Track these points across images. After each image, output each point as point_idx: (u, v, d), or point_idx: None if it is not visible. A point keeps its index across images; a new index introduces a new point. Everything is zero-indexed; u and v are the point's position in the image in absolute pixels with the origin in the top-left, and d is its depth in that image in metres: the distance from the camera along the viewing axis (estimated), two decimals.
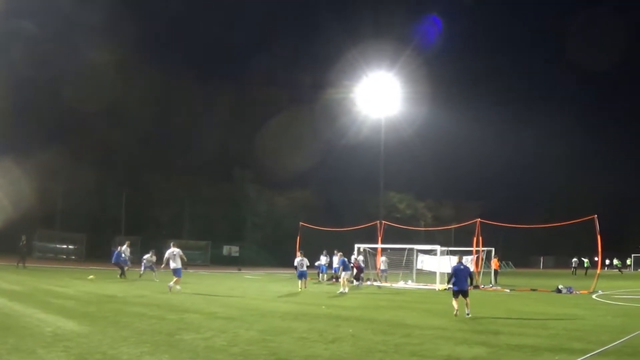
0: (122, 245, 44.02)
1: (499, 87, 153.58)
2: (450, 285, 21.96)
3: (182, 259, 30.97)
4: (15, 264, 47.13)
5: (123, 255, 42.43)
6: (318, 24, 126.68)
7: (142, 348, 13.06)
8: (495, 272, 48.29)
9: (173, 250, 30.97)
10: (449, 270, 41.86)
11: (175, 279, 29.79)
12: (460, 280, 21.53)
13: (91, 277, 36.69)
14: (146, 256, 41.67)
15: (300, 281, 37.41)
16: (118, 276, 40.59)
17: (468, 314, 21.03)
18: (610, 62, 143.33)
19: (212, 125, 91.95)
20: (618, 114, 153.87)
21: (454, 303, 21.38)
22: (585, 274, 69.17)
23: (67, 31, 68.04)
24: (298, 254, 39.32)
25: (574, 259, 74.30)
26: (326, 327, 17.50)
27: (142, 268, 41.70)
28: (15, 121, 70.36)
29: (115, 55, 77.29)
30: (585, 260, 74.76)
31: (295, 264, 38.87)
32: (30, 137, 72.59)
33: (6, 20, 54.24)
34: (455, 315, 20.98)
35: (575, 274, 65.57)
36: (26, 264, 47.46)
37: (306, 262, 38.66)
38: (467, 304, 21.26)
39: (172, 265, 30.33)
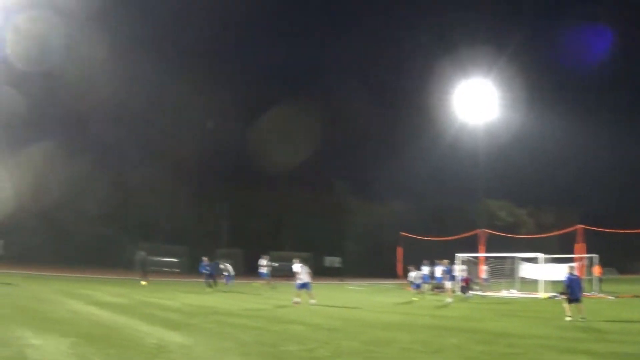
0: (205, 257, 44.16)
1: (599, 90, 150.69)
2: (562, 295, 21.97)
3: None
4: (139, 279, 47.80)
5: (208, 268, 42.66)
6: (414, 30, 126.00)
7: (245, 359, 13.16)
8: (599, 279, 47.38)
9: (301, 266, 31.21)
10: (553, 278, 41.28)
11: (307, 292, 29.97)
12: (575, 291, 21.55)
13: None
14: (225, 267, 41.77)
15: (415, 291, 37.91)
16: (209, 287, 40.84)
17: (584, 319, 20.88)
18: None
19: (311, 137, 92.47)
20: None
21: (567, 309, 21.29)
22: None
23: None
24: (412, 267, 39.71)
25: None
26: (429, 337, 17.54)
27: (225, 280, 41.91)
28: (114, 141, 72.31)
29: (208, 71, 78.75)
30: None
31: (411, 278, 39.19)
32: (131, 155, 74.38)
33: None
34: (569, 319, 20.87)
35: None
36: (145, 278, 48.06)
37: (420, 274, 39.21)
38: (581, 309, 21.18)
39: (301, 279, 30.38)
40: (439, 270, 43.61)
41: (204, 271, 42.59)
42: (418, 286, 39.39)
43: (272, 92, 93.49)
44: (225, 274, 42.87)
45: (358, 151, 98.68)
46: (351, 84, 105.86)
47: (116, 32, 64.49)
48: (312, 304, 28.61)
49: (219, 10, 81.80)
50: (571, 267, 23.62)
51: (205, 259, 43.29)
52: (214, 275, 42.46)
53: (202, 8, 78.48)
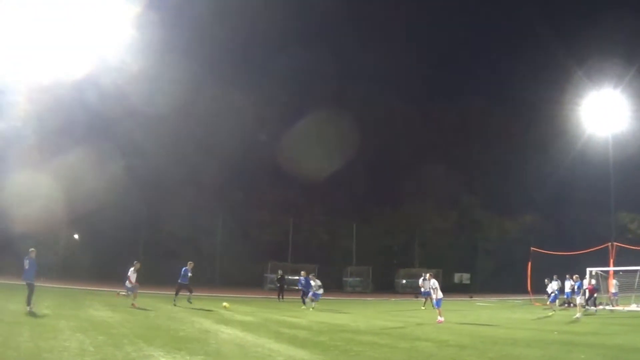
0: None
1: None
2: None
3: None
4: (277, 297, 48.83)
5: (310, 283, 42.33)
6: (541, 40, 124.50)
7: None
8: None
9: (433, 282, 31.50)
10: None
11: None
12: None
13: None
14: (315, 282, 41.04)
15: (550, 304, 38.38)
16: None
17: None
18: None
19: (437, 152, 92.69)
20: None
21: None
22: None
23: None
24: (548, 280, 40.24)
25: None
26: (558, 353, 17.71)
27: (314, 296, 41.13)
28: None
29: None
30: None
31: (550, 290, 39.54)
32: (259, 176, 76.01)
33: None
34: None
35: None
36: (283, 297, 48.89)
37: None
38: None
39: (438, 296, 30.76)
40: (568, 285, 43.32)
41: (300, 287, 42.63)
42: (555, 298, 39.46)
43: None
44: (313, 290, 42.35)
45: (487, 165, 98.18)
46: (471, 97, 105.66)
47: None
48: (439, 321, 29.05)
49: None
50: None
51: (303, 273, 43.09)
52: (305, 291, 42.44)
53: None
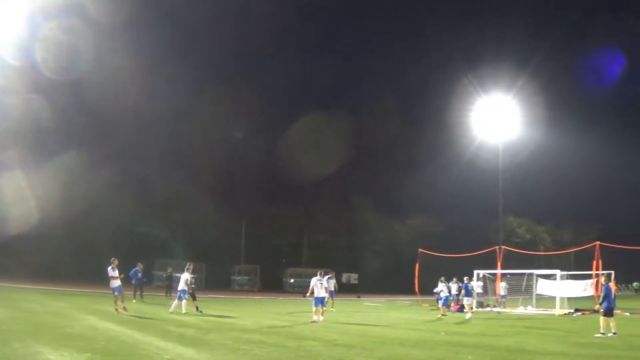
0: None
1: (617, 110, 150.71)
2: (598, 306, 22.34)
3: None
4: (164, 295, 47.69)
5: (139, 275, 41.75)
6: (432, 45, 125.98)
7: None
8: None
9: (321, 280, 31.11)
10: (569, 295, 41.41)
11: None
12: (611, 300, 21.88)
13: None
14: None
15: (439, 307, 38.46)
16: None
17: (615, 334, 21.15)
18: None
19: (330, 153, 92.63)
20: None
21: (602, 322, 21.61)
22: None
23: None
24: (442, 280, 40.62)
25: None
26: (446, 354, 17.65)
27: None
28: (137, 149, 72.90)
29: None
30: None
31: (438, 291, 39.68)
32: (151, 167, 74.93)
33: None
34: (600, 335, 21.11)
35: None
36: (171, 294, 47.74)
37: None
38: (613, 323, 21.52)
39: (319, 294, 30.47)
40: (454, 288, 43.64)
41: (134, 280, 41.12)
42: (446, 301, 39.61)
43: (297, 105, 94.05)
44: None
45: (378, 167, 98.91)
46: (365, 100, 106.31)
47: (144, 40, 64.72)
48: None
49: (248, 21, 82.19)
50: (607, 277, 23.77)
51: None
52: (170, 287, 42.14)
53: (231, 17, 78.88)
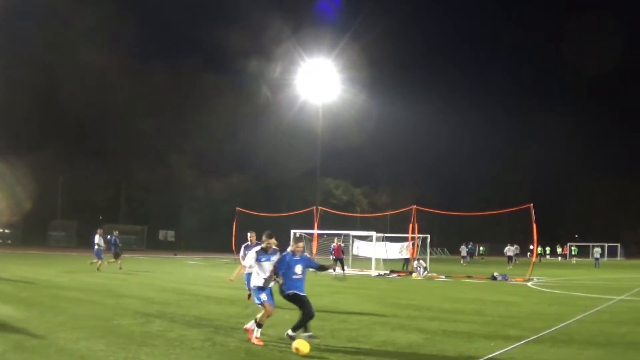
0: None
1: (436, 77, 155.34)
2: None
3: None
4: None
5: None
6: (254, 9, 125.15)
7: (78, 333, 13.00)
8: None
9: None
10: (385, 257, 42.31)
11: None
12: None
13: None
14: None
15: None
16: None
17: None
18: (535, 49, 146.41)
19: (148, 109, 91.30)
20: (550, 104, 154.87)
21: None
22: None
23: None
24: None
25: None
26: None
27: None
28: None
29: None
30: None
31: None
32: None
33: (5, 20, 53.14)
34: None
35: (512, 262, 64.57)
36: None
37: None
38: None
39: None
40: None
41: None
42: None
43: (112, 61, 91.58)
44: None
45: (198, 125, 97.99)
46: (187, 59, 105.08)
47: None
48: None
49: None
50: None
51: None
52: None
53: None
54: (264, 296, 12.78)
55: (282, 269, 12.73)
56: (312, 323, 13.34)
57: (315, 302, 18.36)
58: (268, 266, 12.91)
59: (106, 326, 14.30)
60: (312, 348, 11.60)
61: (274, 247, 13.31)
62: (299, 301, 12.90)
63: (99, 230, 37.46)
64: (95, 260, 35.97)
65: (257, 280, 12.92)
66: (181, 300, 20.73)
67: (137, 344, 12.05)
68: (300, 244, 13.15)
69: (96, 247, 36.45)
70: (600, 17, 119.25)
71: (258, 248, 13.38)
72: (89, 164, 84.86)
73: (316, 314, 13.22)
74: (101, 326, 14.22)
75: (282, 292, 12.89)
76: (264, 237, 13.24)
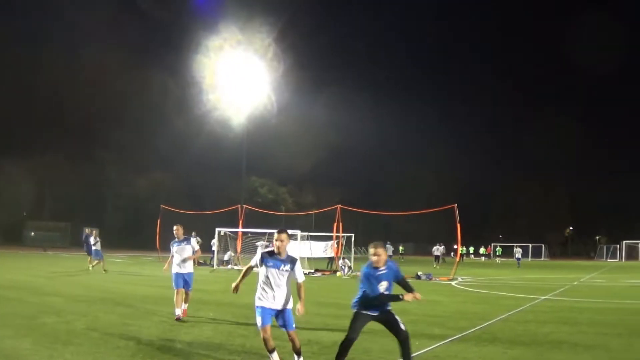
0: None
1: (359, 75, 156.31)
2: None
3: None
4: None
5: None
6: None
7: (3, 332, 12.97)
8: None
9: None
10: (310, 255, 42.58)
11: None
12: None
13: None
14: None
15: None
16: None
17: None
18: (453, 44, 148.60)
19: (75, 101, 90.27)
20: (478, 104, 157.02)
21: None
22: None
23: None
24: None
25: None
26: (191, 311, 17.63)
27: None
28: None
29: None
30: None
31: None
32: None
33: None
34: None
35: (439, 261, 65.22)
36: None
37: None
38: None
39: None
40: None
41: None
42: None
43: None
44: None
45: (124, 122, 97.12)
46: (107, 51, 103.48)
47: None
48: None
49: None
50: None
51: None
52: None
53: None
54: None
55: None
56: (237, 321, 13.46)
57: (239, 300, 18.54)
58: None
59: (30, 324, 14.26)
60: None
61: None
62: None
63: (93, 231, 37.35)
64: (96, 262, 36.02)
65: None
66: (106, 298, 20.67)
67: (62, 342, 12.06)
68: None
69: (93, 248, 36.43)
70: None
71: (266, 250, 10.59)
72: (9, 157, 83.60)
73: (241, 312, 13.32)
74: (26, 324, 14.18)
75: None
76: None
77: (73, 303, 18.95)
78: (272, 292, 10.26)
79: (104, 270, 34.46)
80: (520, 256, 69.48)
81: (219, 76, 67.81)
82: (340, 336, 10.92)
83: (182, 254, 16.24)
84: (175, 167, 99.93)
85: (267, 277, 10.28)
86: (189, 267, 16.56)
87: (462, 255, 66.09)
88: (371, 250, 10.04)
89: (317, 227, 72.72)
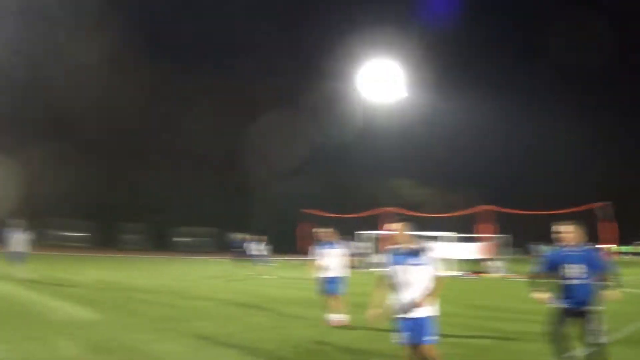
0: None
1: (501, 75, 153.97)
2: None
3: None
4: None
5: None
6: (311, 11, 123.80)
7: (153, 335, 13.26)
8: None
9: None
10: (457, 257, 41.94)
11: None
12: None
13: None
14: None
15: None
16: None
17: None
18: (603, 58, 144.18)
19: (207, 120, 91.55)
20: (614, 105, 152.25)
21: None
22: None
23: None
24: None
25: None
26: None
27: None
28: None
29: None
30: None
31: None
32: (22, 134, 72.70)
33: None
34: None
35: None
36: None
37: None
38: None
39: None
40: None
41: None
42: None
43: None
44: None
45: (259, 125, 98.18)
46: (245, 65, 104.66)
47: None
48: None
49: None
50: None
51: None
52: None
53: None
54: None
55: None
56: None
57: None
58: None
59: (185, 328, 14.60)
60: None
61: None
62: None
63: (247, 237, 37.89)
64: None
65: None
66: (256, 302, 20.69)
67: (212, 344, 12.16)
68: None
69: (256, 253, 36.82)
70: None
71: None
72: (154, 168, 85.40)
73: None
74: (179, 328, 14.55)
75: None
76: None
77: (225, 307, 19.31)
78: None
79: (261, 275, 34.77)
80: None
81: (356, 79, 67.87)
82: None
83: (330, 257, 16.05)
84: (319, 171, 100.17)
85: None
86: (337, 271, 16.24)
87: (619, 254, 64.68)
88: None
89: (463, 228, 71.80)
